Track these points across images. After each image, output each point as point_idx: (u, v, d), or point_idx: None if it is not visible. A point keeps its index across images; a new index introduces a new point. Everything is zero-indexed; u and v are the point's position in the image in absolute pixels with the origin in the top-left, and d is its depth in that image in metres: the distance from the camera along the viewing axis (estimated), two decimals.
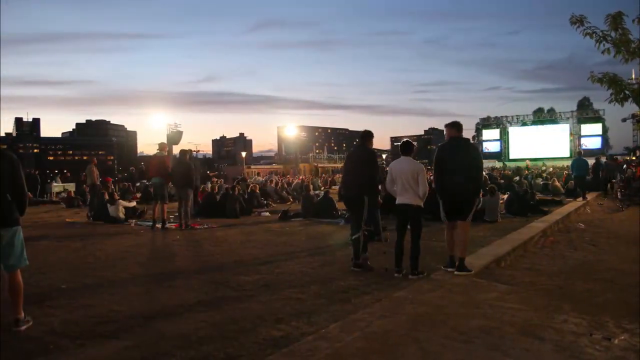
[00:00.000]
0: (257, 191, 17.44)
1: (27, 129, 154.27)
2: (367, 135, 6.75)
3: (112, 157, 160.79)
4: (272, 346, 3.63)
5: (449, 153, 6.04)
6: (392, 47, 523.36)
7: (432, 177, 6.80)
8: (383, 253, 7.15)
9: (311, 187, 16.91)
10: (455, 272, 5.74)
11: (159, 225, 11.03)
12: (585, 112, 52.28)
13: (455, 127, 6.11)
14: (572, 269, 6.60)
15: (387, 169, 7.04)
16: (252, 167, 61.33)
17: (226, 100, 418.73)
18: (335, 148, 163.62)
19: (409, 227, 5.98)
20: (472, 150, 6.23)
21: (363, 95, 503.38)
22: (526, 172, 29.03)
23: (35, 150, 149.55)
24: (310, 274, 6.12)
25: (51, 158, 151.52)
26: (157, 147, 11.88)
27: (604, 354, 3.38)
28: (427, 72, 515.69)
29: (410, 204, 5.88)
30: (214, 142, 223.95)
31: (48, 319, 4.44)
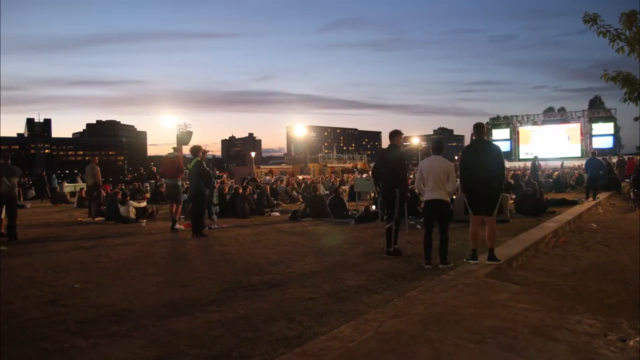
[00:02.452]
0: (268, 191, 17.45)
1: (39, 129, 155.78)
2: (396, 134, 7.45)
3: (122, 158, 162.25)
4: (284, 345, 3.63)
5: (474, 152, 6.56)
6: (453, 46, 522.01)
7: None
8: (407, 242, 7.40)
9: (321, 187, 16.90)
10: (486, 262, 6.23)
11: (178, 226, 10.93)
12: (597, 112, 51.82)
13: (477, 128, 6.71)
14: (584, 270, 6.55)
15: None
16: (262, 166, 61.42)
17: (263, 100, 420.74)
18: (345, 148, 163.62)
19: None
20: (494, 150, 6.66)
21: (405, 95, 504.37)
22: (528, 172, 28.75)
23: (47, 151, 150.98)
24: (321, 274, 6.12)
25: (62, 158, 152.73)
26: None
27: (619, 356, 3.35)
28: (476, 72, 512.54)
29: (441, 199, 6.43)
30: (224, 142, 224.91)
31: (62, 318, 4.48)
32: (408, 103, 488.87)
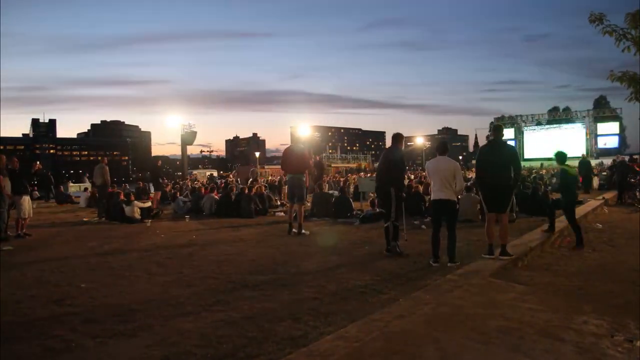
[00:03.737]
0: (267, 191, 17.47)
1: (44, 129, 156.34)
2: (398, 137, 7.68)
3: (126, 158, 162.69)
4: (291, 345, 3.64)
5: (490, 152, 6.80)
6: (486, 46, 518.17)
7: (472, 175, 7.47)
8: (405, 240, 7.48)
9: (326, 186, 16.89)
10: (499, 257, 6.44)
11: (295, 230, 9.73)
12: (602, 111, 51.64)
13: (495, 129, 7.06)
14: (590, 270, 6.53)
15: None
16: (266, 167, 61.47)
17: (284, 99, 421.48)
18: (349, 148, 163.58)
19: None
20: (510, 150, 7.00)
21: (427, 95, 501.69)
22: (536, 171, 28.71)
23: (52, 151, 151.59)
24: (326, 274, 6.12)
25: (67, 158, 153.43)
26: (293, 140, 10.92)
27: (627, 356, 3.34)
28: (502, 72, 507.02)
29: (447, 199, 6.55)
30: (228, 142, 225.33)
31: (69, 318, 4.51)
32: (427, 103, 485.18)
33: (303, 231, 9.67)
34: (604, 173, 23.92)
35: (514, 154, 6.95)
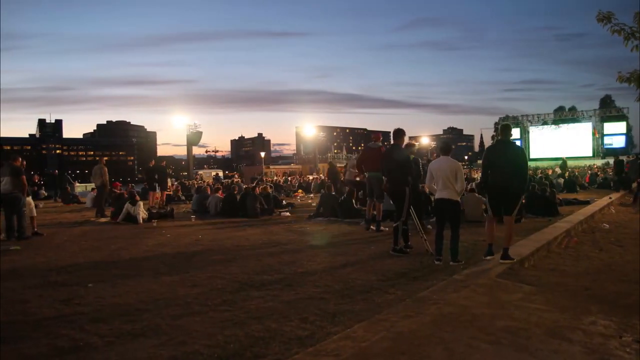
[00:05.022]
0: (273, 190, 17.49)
1: (50, 130, 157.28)
2: (399, 134, 7.76)
3: (132, 158, 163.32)
4: (297, 345, 3.64)
5: (495, 153, 6.72)
6: (517, 44, 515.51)
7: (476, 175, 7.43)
8: (424, 240, 7.52)
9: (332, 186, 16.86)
10: (500, 260, 6.30)
11: (373, 227, 9.86)
12: (609, 111, 51.30)
13: (504, 129, 6.88)
14: (598, 270, 6.50)
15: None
16: (272, 166, 61.56)
17: (303, 99, 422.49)
18: (354, 148, 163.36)
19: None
20: (518, 151, 6.78)
21: (448, 95, 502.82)
22: (542, 171, 28.65)
23: (58, 151, 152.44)
24: (332, 274, 6.12)
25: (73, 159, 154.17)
26: (372, 138, 10.43)
27: (635, 357, 3.33)
28: (529, 71, 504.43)
29: (450, 198, 6.60)
30: (233, 142, 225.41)
31: (77, 317, 4.53)
32: (448, 103, 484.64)
33: (382, 228, 9.72)
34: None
35: (522, 155, 6.80)
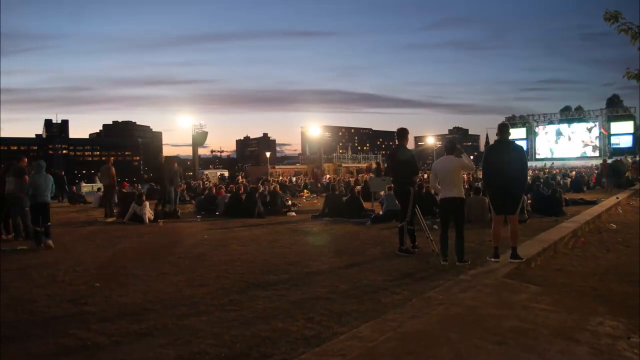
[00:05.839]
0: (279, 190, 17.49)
1: (56, 130, 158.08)
2: (403, 133, 7.66)
3: (138, 158, 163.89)
4: (304, 345, 3.65)
5: (497, 152, 6.66)
6: (542, 44, 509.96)
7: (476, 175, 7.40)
8: (430, 240, 7.45)
9: (338, 186, 16.89)
10: (509, 260, 6.30)
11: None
12: (615, 110, 50.95)
13: (502, 129, 6.83)
14: (605, 271, 6.46)
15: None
16: (277, 167, 61.60)
17: (320, 99, 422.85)
18: (359, 148, 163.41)
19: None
20: (518, 150, 6.74)
21: (464, 95, 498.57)
22: (547, 172, 28.50)
23: (64, 152, 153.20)
24: (338, 274, 6.13)
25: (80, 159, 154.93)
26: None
27: None
28: (545, 71, 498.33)
29: (455, 197, 6.61)
30: (238, 142, 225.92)
31: (84, 316, 4.56)
32: (462, 102, 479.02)
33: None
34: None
35: (523, 155, 6.78)
